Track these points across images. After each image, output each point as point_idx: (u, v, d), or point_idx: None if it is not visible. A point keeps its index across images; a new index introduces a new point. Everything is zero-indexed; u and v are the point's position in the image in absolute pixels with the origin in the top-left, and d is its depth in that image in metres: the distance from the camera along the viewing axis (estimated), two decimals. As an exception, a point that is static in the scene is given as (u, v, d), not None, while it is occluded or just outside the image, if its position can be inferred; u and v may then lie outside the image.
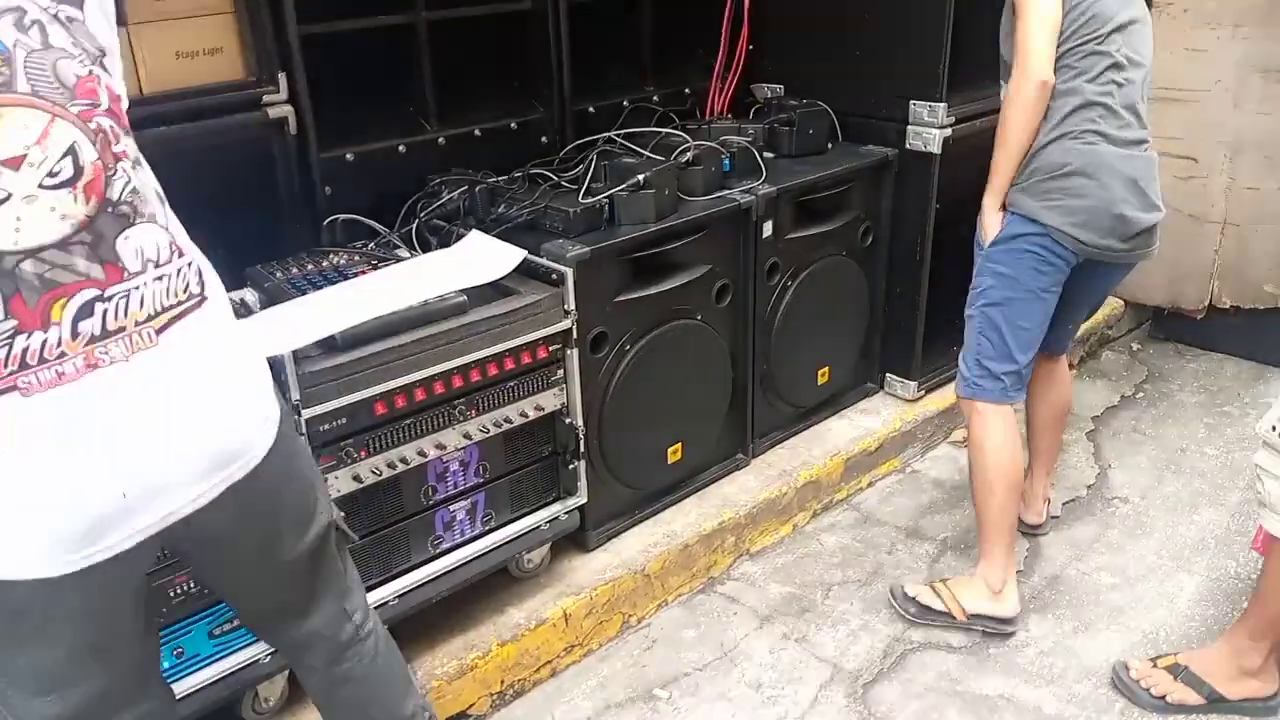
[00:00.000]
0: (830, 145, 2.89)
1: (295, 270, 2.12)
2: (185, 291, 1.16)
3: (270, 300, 2.04)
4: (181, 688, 1.81)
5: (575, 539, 2.46)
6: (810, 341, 2.86)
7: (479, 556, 2.18)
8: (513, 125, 2.73)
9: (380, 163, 2.49)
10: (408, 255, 2.24)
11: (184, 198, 2.19)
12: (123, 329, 1.10)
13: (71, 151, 1.04)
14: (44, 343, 1.04)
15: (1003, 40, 2.22)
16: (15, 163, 1.00)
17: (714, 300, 2.56)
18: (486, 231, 2.28)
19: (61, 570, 1.12)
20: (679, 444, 2.59)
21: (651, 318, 2.41)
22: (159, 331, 1.13)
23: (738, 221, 2.54)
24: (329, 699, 1.64)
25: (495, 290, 2.14)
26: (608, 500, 2.48)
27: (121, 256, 1.09)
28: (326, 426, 1.87)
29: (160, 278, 1.13)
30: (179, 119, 2.08)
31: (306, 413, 1.82)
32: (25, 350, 1.03)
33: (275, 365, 1.78)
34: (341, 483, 1.91)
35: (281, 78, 2.23)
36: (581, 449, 2.29)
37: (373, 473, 1.95)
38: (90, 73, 1.08)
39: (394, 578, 2.07)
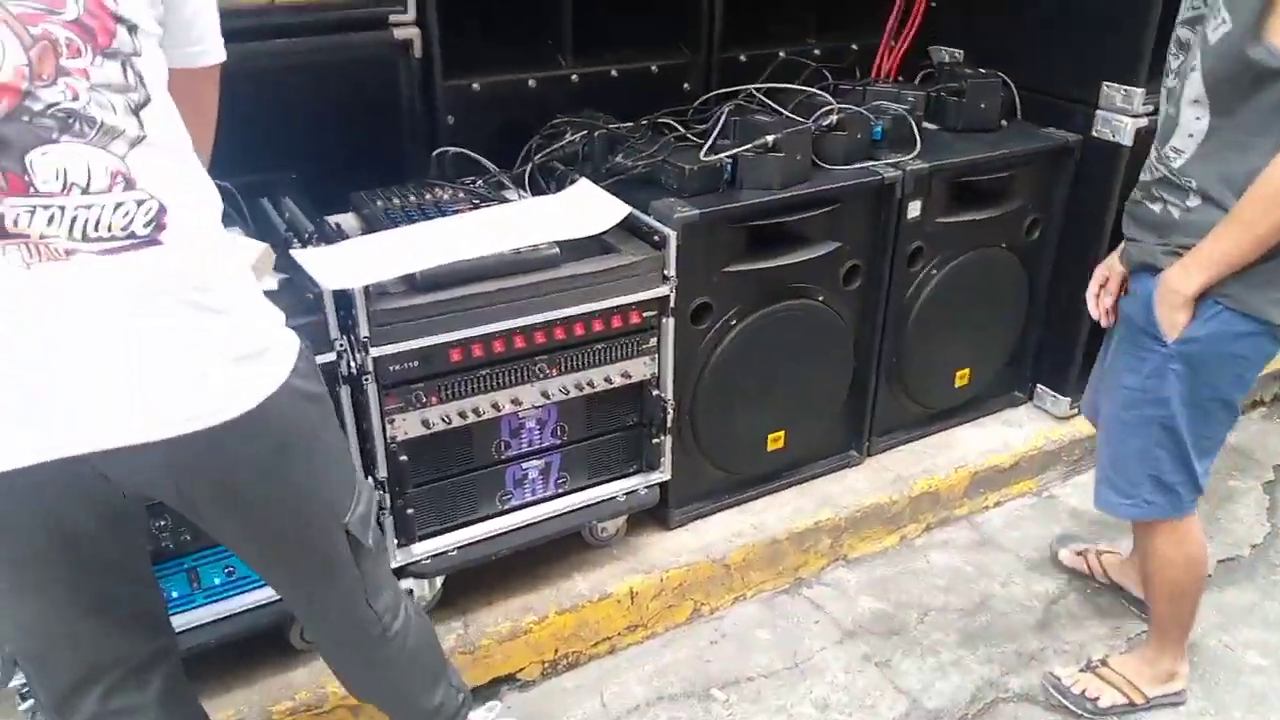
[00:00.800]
0: (1004, 123, 2.57)
1: (396, 200, 2.05)
2: (124, 231, 1.06)
3: (367, 228, 1.99)
4: (230, 607, 1.82)
5: (657, 515, 2.33)
6: (951, 338, 2.59)
7: (549, 519, 2.09)
8: (653, 69, 2.57)
9: (507, 96, 2.39)
10: (514, 197, 2.14)
11: (300, 113, 2.23)
12: (25, 236, 1.02)
13: None
14: None
15: (1214, 51, 1.56)
16: None
17: (841, 282, 2.34)
18: (597, 181, 2.14)
19: None
20: (782, 431, 2.40)
21: (765, 293, 2.22)
22: (71, 253, 1.04)
23: (879, 197, 2.30)
24: (345, 676, 1.59)
25: (595, 245, 2.00)
26: (695, 480, 2.33)
27: (33, 170, 1.01)
28: (396, 367, 1.80)
29: (89, 205, 1.04)
30: (301, 32, 2.04)
31: (375, 351, 1.75)
32: None
33: (345, 299, 1.73)
34: (409, 426, 1.85)
35: (410, -2, 2.15)
36: (669, 424, 2.15)
37: (442, 420, 1.88)
38: None
39: (456, 528, 2.00)
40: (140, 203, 1.06)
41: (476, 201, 2.06)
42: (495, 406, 1.92)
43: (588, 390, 2.01)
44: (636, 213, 2.06)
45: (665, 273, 2.01)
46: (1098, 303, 1.97)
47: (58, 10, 1.00)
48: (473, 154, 2.18)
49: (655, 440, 2.15)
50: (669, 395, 2.13)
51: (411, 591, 2.01)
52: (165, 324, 1.10)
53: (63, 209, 1.02)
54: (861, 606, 2.32)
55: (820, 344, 2.37)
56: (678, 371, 2.14)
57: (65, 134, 1.02)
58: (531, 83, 2.41)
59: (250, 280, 1.25)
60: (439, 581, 2.07)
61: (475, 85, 2.33)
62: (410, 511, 1.92)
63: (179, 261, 1.10)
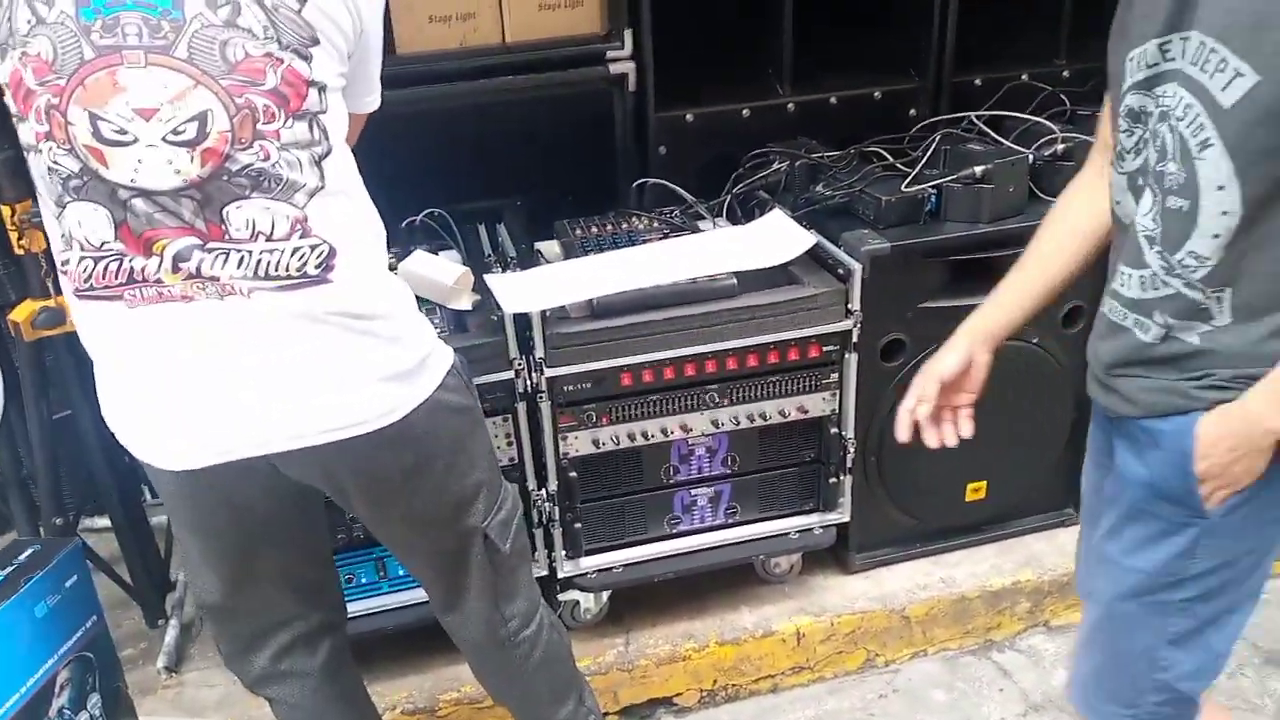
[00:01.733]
0: None
1: (594, 229, 2.14)
2: (299, 270, 1.20)
3: (565, 254, 2.09)
4: (411, 597, 1.97)
5: (837, 557, 2.26)
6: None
7: (716, 548, 2.09)
8: (876, 94, 2.49)
9: (721, 125, 2.41)
10: (708, 227, 2.16)
11: (523, 144, 2.38)
12: (216, 279, 1.18)
13: (201, 118, 1.12)
14: (144, 267, 1.17)
15: (1237, 116, 1.08)
16: (147, 114, 1.12)
17: (1059, 324, 2.14)
18: (794, 211, 2.11)
19: (166, 465, 1.28)
20: (983, 482, 2.24)
21: (969, 333, 2.08)
22: (253, 291, 1.19)
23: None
24: (480, 676, 1.69)
25: (782, 276, 1.98)
26: (880, 524, 2.23)
27: (228, 221, 1.17)
28: (570, 387, 1.88)
29: (271, 250, 1.19)
30: (525, 70, 2.18)
31: (550, 371, 1.85)
32: (132, 269, 1.17)
33: (525, 321, 1.84)
34: (580, 444, 1.93)
35: (628, 33, 2.23)
36: (849, 463, 2.08)
37: (612, 440, 1.94)
38: (268, 54, 1.14)
39: (623, 547, 2.06)
40: (314, 247, 1.21)
41: (667, 231, 2.11)
42: (664, 431, 1.96)
43: (759, 422, 1.99)
44: (825, 243, 2.01)
45: (849, 307, 1.95)
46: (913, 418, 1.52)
47: (259, 82, 1.15)
48: (670, 185, 2.23)
49: (833, 480, 2.09)
50: (850, 434, 2.06)
51: (578, 603, 2.10)
52: (328, 348, 1.24)
53: (250, 253, 1.19)
54: (1057, 680, 2.11)
55: (1033, 390, 2.18)
56: (864, 410, 2.06)
57: (255, 190, 1.17)
58: (745, 112, 2.42)
59: (408, 305, 1.35)
60: (605, 596, 2.13)
61: (689, 115, 2.38)
62: (578, 526, 1.99)
63: (343, 295, 1.24)
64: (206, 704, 1.98)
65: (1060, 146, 2.08)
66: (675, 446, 2.00)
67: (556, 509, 1.97)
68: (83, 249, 1.18)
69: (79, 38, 1.11)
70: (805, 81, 2.45)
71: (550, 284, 1.90)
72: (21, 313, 1.86)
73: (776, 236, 2.03)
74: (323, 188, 1.21)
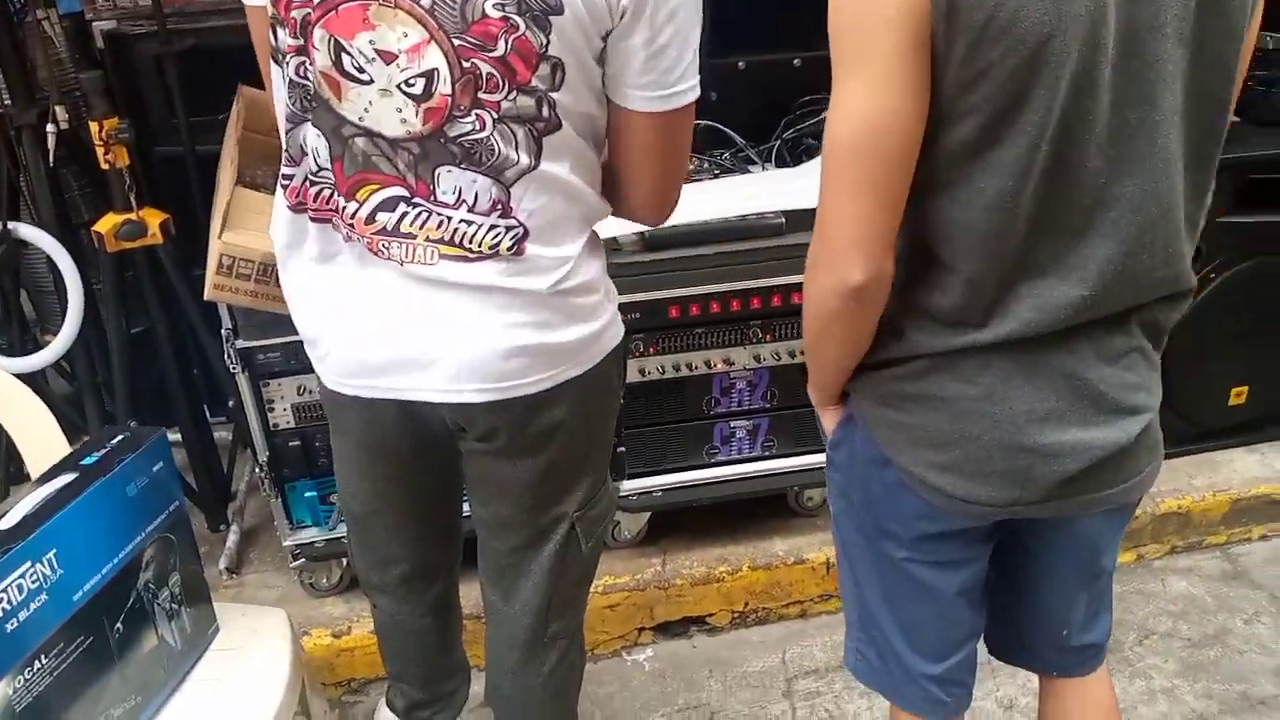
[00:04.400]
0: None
1: (645, 167, 2.21)
2: (490, 246, 1.17)
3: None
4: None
5: (867, 493, 2.34)
6: (1228, 353, 2.35)
7: (752, 478, 2.18)
8: (922, 50, 2.53)
9: (772, 74, 2.47)
10: (758, 170, 2.23)
11: None
12: (412, 236, 1.17)
13: (428, 75, 1.09)
14: (345, 208, 1.17)
15: None
16: (388, 58, 1.09)
17: None
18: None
19: (336, 387, 1.31)
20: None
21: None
22: (441, 256, 1.18)
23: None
24: (489, 674, 1.61)
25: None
26: (910, 463, 2.31)
27: (437, 182, 1.15)
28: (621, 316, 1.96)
29: (470, 221, 1.16)
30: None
31: (601, 299, 1.93)
32: (336, 205, 1.18)
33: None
34: (627, 374, 2.01)
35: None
36: (884, 402, 2.15)
37: (657, 370, 2.03)
38: (505, 18, 1.06)
39: (663, 473, 2.15)
40: (509, 229, 1.17)
41: (718, 172, 2.18)
42: (708, 364, 2.04)
43: (800, 359, 2.07)
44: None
45: (891, 249, 2.01)
46: None
47: (489, 48, 1.07)
48: (722, 127, 2.30)
49: (868, 417, 2.17)
50: (886, 373, 2.13)
51: (618, 523, 2.20)
52: (502, 319, 1.21)
53: (449, 219, 1.16)
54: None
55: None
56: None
57: (466, 161, 1.13)
58: (796, 61, 2.48)
59: (593, 283, 1.28)
60: (644, 519, 2.23)
61: (740, 63, 2.44)
62: (621, 450, 2.09)
63: (527, 276, 1.20)
64: (266, 602, 2.10)
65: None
66: (717, 379, 2.08)
67: (603, 433, 2.06)
68: (314, 164, 1.18)
69: None
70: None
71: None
72: (105, 224, 1.96)
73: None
74: (534, 168, 1.15)
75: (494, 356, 1.22)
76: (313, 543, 2.06)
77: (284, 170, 1.22)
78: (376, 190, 1.16)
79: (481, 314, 1.21)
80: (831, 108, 0.99)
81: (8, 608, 1.19)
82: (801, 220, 1.99)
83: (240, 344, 1.86)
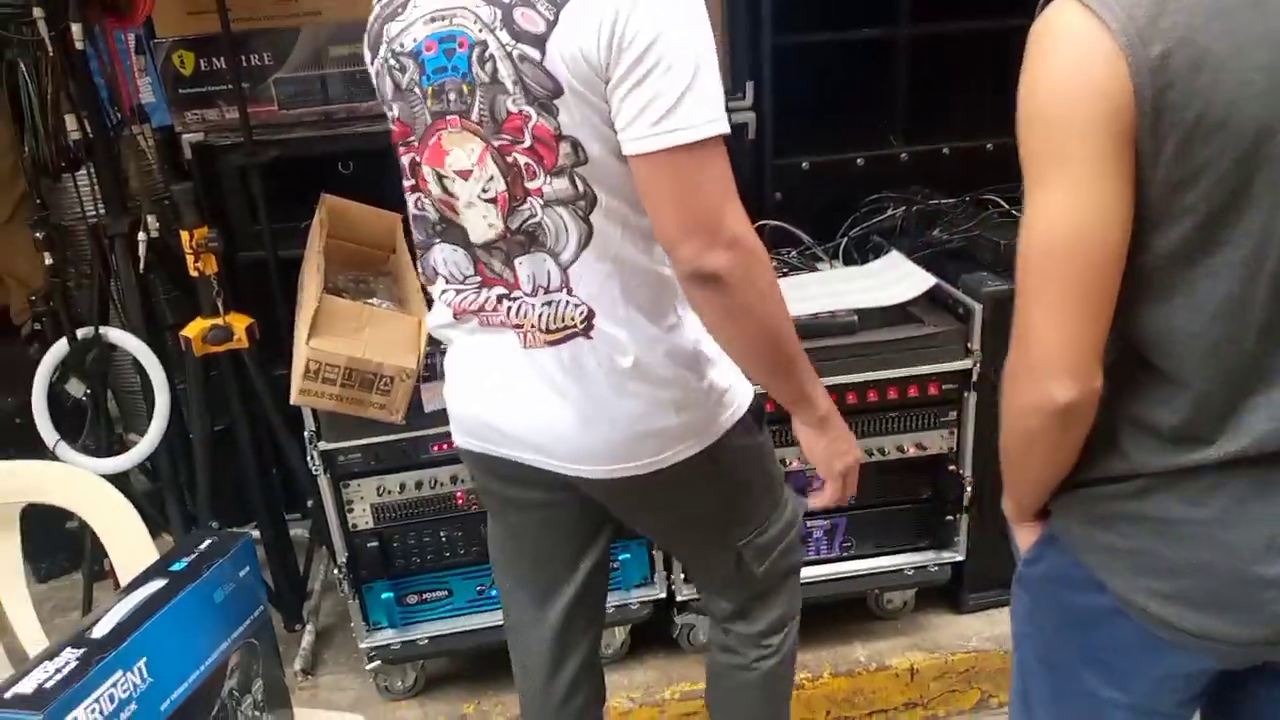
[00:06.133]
0: None
1: (716, 266, 2.23)
2: (568, 321, 1.24)
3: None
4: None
5: (949, 596, 2.27)
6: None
7: (830, 580, 2.13)
8: (988, 146, 2.56)
9: (835, 174, 2.51)
10: (826, 268, 2.24)
11: None
12: (521, 326, 1.27)
13: (494, 177, 1.19)
14: (486, 300, 1.29)
15: None
16: (465, 175, 1.21)
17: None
18: (910, 254, 2.18)
19: (460, 443, 1.44)
20: (1099, 526, 2.23)
21: (1087, 375, 2.11)
22: (544, 342, 1.26)
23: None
24: (708, 681, 1.71)
25: (898, 315, 2.05)
26: (994, 564, 2.23)
27: (518, 273, 1.24)
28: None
29: (548, 303, 1.24)
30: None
31: (677, 398, 1.93)
32: (485, 300, 1.29)
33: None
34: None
35: (749, 85, 2.35)
36: (966, 502, 2.11)
37: (733, 469, 2.01)
38: (521, 111, 1.14)
39: (738, 576, 2.11)
40: (575, 306, 1.24)
41: (786, 270, 2.19)
42: (784, 462, 2.01)
43: (878, 458, 2.04)
44: (944, 285, 2.07)
45: (969, 345, 1.99)
46: None
47: (519, 140, 1.16)
48: (789, 227, 2.32)
49: (949, 518, 2.12)
50: (968, 473, 2.09)
51: (694, 627, 2.15)
52: (593, 407, 1.28)
53: (534, 305, 1.25)
54: (1178, 732, 2.08)
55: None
56: (981, 449, 2.09)
57: (533, 245, 1.22)
58: (860, 161, 2.52)
59: (687, 363, 1.30)
60: (720, 623, 2.18)
61: (805, 164, 2.48)
62: (697, 551, 2.06)
63: (604, 352, 1.25)
64: (340, 705, 2.07)
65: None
66: (794, 478, 2.05)
67: (677, 533, 2.04)
68: (447, 281, 1.31)
69: (422, 104, 1.20)
70: (918, 133, 2.53)
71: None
72: (193, 329, 2.02)
73: (896, 277, 2.09)
74: (588, 243, 1.20)
75: (588, 441, 1.29)
76: (389, 645, 2.04)
77: (430, 288, 1.37)
78: (492, 290, 1.28)
79: (569, 395, 1.27)
80: (1028, 216, 0.94)
81: (99, 718, 1.19)
82: (871, 318, 1.99)
83: (323, 446, 1.89)
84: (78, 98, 2.03)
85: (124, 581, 1.60)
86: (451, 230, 1.28)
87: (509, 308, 1.27)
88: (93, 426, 2.23)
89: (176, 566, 1.43)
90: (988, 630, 2.20)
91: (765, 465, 1.47)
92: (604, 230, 1.20)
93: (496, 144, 1.17)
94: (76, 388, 2.17)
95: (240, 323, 2.05)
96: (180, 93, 2.40)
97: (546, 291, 1.24)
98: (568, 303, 1.23)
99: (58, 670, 1.17)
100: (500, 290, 1.27)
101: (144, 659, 1.26)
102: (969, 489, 2.09)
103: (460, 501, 1.99)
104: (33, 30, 2.03)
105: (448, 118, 1.19)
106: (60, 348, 2.13)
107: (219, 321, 2.02)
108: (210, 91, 2.39)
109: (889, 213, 2.35)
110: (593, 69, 1.10)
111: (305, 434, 1.88)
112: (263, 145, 2.33)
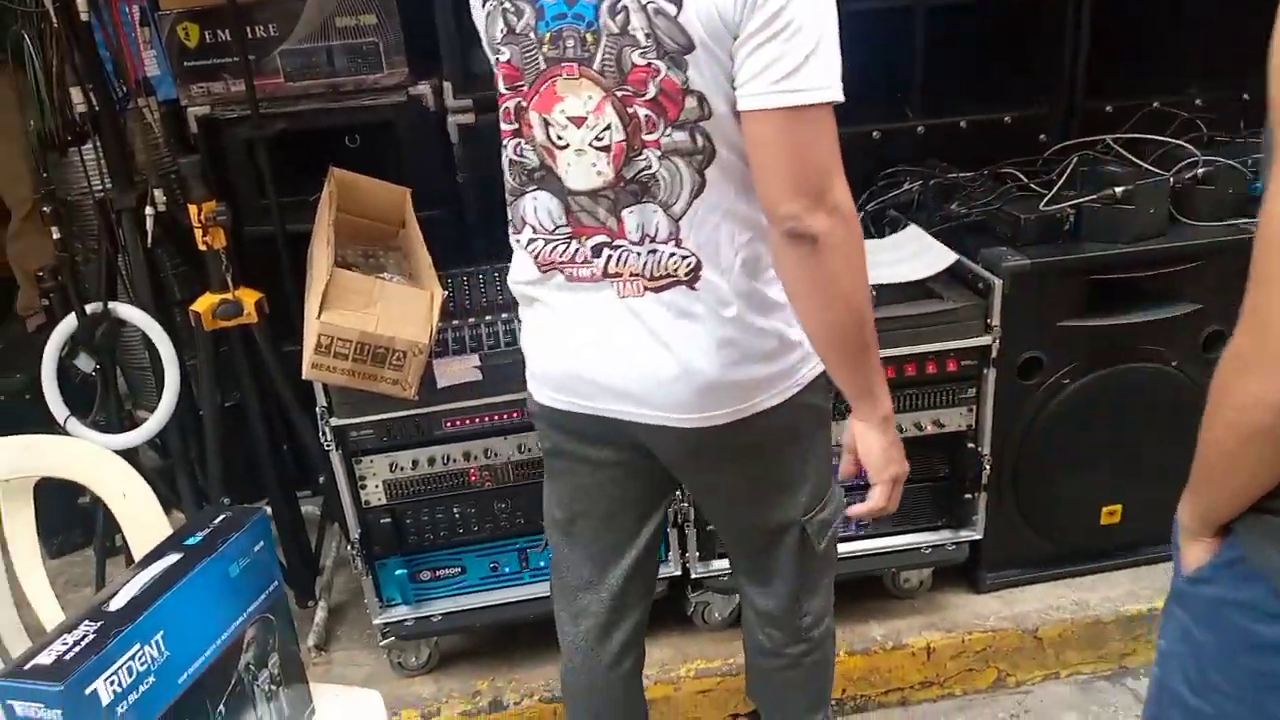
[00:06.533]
0: None
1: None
2: (671, 270, 1.27)
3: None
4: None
5: (966, 574, 2.25)
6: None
7: (848, 558, 2.10)
8: (1006, 119, 2.52)
9: (851, 147, 2.40)
10: (844, 242, 2.20)
11: None
12: (619, 275, 1.29)
13: (610, 126, 1.22)
14: (579, 251, 1.31)
15: None
16: (578, 122, 1.23)
17: (1201, 348, 2.12)
18: (929, 228, 2.15)
19: (545, 401, 1.42)
20: (1119, 505, 2.21)
21: (1107, 353, 2.08)
22: (645, 289, 1.29)
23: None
24: (750, 667, 1.72)
25: (919, 290, 2.02)
26: (1012, 544, 2.22)
27: (625, 223, 1.27)
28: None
29: (654, 252, 1.27)
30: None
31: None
32: (575, 250, 1.31)
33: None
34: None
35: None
36: (984, 481, 2.08)
37: (749, 446, 1.99)
38: (649, 64, 1.17)
39: (754, 553, 2.09)
40: (684, 257, 1.27)
41: (805, 243, 2.16)
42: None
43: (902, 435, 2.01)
44: (964, 260, 2.04)
45: (989, 321, 1.97)
46: None
47: (642, 93, 1.20)
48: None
49: (967, 496, 2.10)
50: (986, 450, 2.07)
51: (708, 605, 2.14)
52: (688, 353, 1.30)
53: (639, 254, 1.28)
54: (1197, 711, 2.06)
55: (1172, 414, 2.15)
56: (999, 427, 2.07)
57: (645, 196, 1.25)
58: (876, 134, 2.47)
59: (778, 311, 1.33)
60: (736, 600, 2.15)
61: (820, 136, 2.44)
62: (710, 528, 2.03)
63: (708, 301, 1.28)
64: (353, 681, 2.06)
65: (1201, 170, 2.08)
66: (813, 458, 2.03)
67: (692, 509, 2.02)
68: (534, 231, 1.33)
69: (537, 50, 1.23)
70: (934, 106, 2.49)
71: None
72: (202, 304, 2.00)
73: (917, 252, 2.06)
74: (700, 197, 1.24)
75: (685, 389, 1.30)
76: (402, 621, 2.03)
77: (513, 237, 1.38)
78: (588, 240, 1.30)
79: (682, 343, 1.29)
80: (1273, 187, 0.85)
81: (118, 690, 1.17)
82: (889, 292, 1.96)
83: (334, 421, 1.86)
84: (83, 70, 2.00)
85: (137, 557, 1.59)
86: (549, 178, 1.30)
87: (609, 257, 1.29)
88: (103, 402, 2.21)
89: (191, 541, 1.41)
90: (1005, 610, 2.19)
91: (829, 435, 1.50)
92: (717, 183, 1.23)
93: (620, 95, 1.20)
94: (86, 363, 2.14)
95: (250, 297, 2.02)
96: (185, 65, 2.36)
97: (653, 241, 1.26)
98: (674, 254, 1.26)
99: (76, 643, 1.16)
100: (600, 239, 1.29)
101: (161, 632, 1.24)
102: (987, 467, 2.07)
103: (474, 478, 1.97)
104: (38, 2, 2.00)
105: (563, 64, 1.21)
106: (69, 322, 2.11)
107: (228, 296, 1.99)
108: (215, 64, 2.35)
109: (905, 186, 2.32)
110: (726, 25, 1.14)
111: (317, 409, 1.85)
112: (269, 118, 2.29)
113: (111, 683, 1.15)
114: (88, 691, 1.12)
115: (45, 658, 1.11)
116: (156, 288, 2.19)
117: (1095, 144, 2.29)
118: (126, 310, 2.13)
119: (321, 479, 2.12)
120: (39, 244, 3.09)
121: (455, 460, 1.95)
